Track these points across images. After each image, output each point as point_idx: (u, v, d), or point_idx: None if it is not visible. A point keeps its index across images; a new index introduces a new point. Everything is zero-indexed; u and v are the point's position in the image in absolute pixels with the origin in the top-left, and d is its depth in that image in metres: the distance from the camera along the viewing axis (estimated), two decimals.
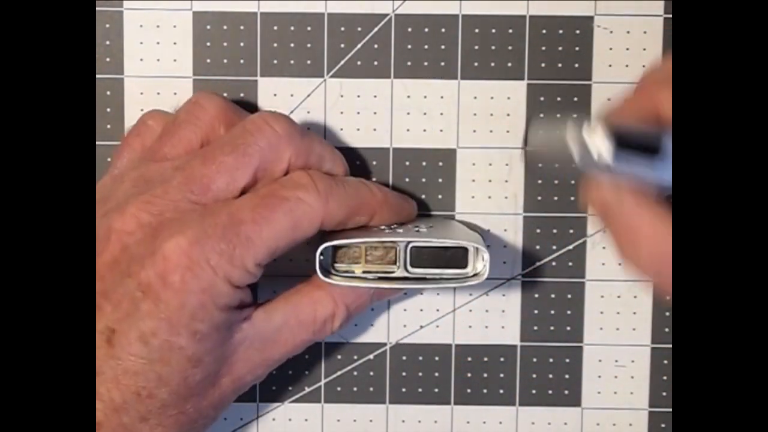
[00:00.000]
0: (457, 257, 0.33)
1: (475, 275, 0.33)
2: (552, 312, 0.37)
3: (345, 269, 0.33)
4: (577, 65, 0.36)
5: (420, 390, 0.37)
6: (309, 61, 0.36)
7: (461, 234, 0.34)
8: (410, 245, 0.33)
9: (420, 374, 0.37)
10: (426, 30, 0.36)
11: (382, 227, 0.34)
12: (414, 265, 0.33)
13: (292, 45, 0.36)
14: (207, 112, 0.33)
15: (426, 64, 0.36)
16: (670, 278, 0.28)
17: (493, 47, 0.36)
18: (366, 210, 0.33)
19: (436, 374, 0.37)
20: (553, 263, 0.37)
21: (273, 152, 0.32)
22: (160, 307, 0.30)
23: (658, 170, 0.27)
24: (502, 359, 0.37)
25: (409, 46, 0.36)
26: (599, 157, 0.26)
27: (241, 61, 0.36)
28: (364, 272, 0.33)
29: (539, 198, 0.37)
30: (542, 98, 0.36)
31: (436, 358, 0.37)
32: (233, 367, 0.32)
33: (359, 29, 0.36)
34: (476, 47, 0.36)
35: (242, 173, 0.31)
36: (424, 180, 0.37)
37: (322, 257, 0.32)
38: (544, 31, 0.36)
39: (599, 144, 0.26)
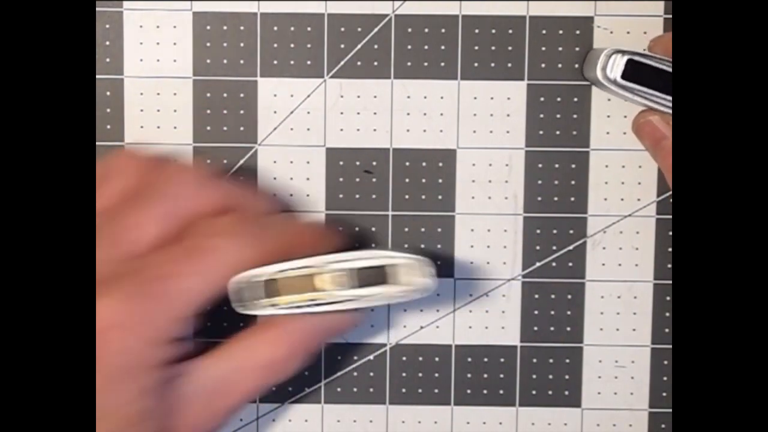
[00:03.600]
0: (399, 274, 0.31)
1: (418, 290, 0.31)
2: (552, 312, 0.37)
3: (288, 301, 0.31)
4: (577, 66, 0.36)
5: (420, 391, 0.37)
6: (309, 61, 0.36)
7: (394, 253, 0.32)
8: (355, 266, 0.31)
9: (420, 375, 0.37)
10: (426, 30, 0.36)
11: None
12: (362, 285, 0.31)
13: (292, 45, 0.36)
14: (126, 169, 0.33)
15: (426, 64, 0.36)
16: None
17: (493, 47, 0.36)
18: (295, 248, 0.32)
19: (436, 375, 0.37)
20: (553, 263, 0.37)
21: (185, 199, 0.32)
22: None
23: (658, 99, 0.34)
24: (502, 360, 0.37)
25: (409, 47, 0.36)
26: (613, 75, 0.33)
27: (241, 61, 0.36)
28: (309, 300, 0.31)
29: (539, 198, 0.37)
30: (542, 98, 0.36)
31: (436, 359, 0.37)
32: (181, 422, 0.31)
33: (359, 29, 0.36)
34: (476, 47, 0.36)
35: (154, 223, 0.31)
36: (424, 180, 0.37)
37: (237, 292, 0.31)
38: (544, 31, 0.36)
39: (617, 65, 0.33)
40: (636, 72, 0.33)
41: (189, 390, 0.31)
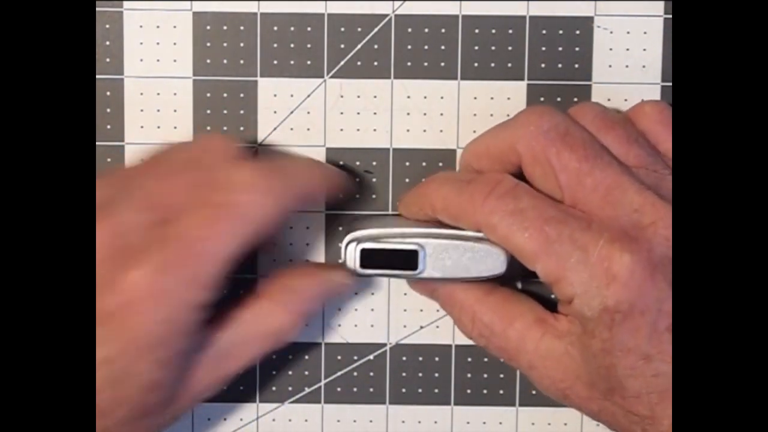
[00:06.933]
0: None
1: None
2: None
3: None
4: (577, 65, 0.36)
5: (420, 390, 0.37)
6: (309, 61, 0.36)
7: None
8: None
9: (420, 375, 0.37)
10: (426, 30, 0.36)
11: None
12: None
13: (292, 45, 0.36)
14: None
15: (426, 64, 0.36)
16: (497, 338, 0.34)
17: (493, 47, 0.36)
18: (313, 195, 0.35)
19: (436, 375, 0.37)
20: None
21: (219, 169, 0.32)
22: (122, 335, 0.29)
23: (409, 275, 0.33)
24: (502, 360, 0.37)
25: (409, 47, 0.36)
26: (353, 266, 0.33)
27: (241, 61, 0.36)
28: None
29: None
30: (542, 98, 0.36)
31: (436, 359, 0.37)
32: (190, 388, 0.32)
33: (359, 29, 0.36)
34: (476, 47, 0.36)
35: (185, 191, 0.31)
36: (424, 180, 0.37)
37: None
38: (544, 31, 0.36)
39: (352, 256, 0.33)
40: (373, 257, 0.33)
41: (198, 358, 0.32)
